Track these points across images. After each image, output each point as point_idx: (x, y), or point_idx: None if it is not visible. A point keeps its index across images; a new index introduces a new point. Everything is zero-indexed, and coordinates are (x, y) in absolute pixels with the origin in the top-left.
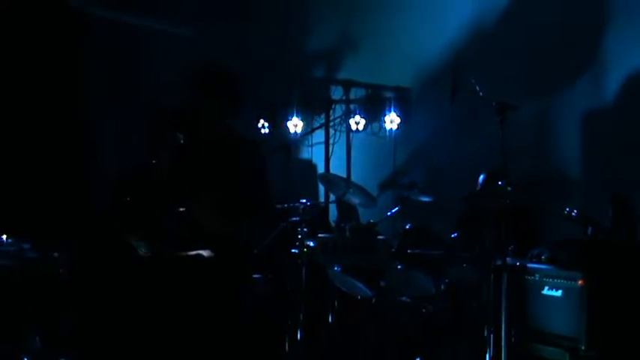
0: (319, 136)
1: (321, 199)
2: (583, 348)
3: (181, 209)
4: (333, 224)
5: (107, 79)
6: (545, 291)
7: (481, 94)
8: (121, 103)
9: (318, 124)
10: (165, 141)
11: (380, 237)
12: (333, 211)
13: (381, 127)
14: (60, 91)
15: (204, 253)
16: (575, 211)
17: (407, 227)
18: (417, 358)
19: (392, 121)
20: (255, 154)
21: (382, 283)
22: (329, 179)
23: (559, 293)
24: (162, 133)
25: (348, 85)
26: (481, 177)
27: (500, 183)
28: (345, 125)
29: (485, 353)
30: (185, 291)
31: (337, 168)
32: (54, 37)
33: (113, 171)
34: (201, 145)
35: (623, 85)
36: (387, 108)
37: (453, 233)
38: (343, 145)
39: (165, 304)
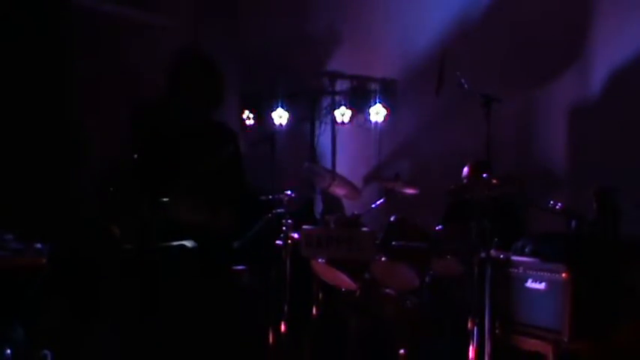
0: (304, 127)
1: (306, 191)
2: (566, 340)
3: (164, 199)
4: (317, 216)
5: (91, 69)
6: (529, 284)
7: (466, 86)
8: (105, 95)
9: (303, 116)
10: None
11: (364, 229)
12: (317, 204)
13: (367, 119)
14: (43, 81)
15: (188, 243)
16: (559, 204)
17: (391, 219)
18: (400, 350)
19: (377, 113)
20: (232, 144)
21: (366, 276)
22: (314, 171)
23: (542, 286)
24: (146, 126)
25: (333, 76)
26: (465, 168)
27: (484, 175)
28: (330, 117)
29: (469, 346)
30: (169, 282)
31: (322, 160)
32: (36, 28)
33: (97, 163)
34: (178, 134)
35: (608, 79)
36: (372, 100)
37: (438, 226)
38: (328, 136)
39: (149, 295)
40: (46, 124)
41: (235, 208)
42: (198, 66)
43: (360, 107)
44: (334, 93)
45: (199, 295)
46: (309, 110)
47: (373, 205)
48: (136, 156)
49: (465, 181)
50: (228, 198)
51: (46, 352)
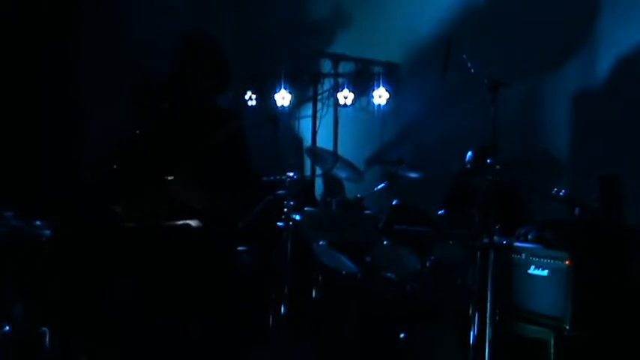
0: (307, 109)
1: (308, 172)
2: (568, 328)
3: (169, 178)
4: (318, 198)
5: (93, 46)
6: (532, 270)
7: (472, 70)
8: (108, 73)
9: (305, 98)
10: (151, 112)
11: (367, 212)
12: (319, 186)
13: (369, 102)
14: (46, 59)
15: (192, 222)
16: (563, 191)
17: (394, 203)
18: (401, 334)
19: (380, 96)
20: (237, 126)
21: (367, 259)
22: (316, 153)
23: (545, 273)
24: (149, 104)
25: (337, 58)
26: (469, 153)
27: (488, 161)
28: (332, 99)
29: (470, 331)
30: (173, 260)
31: (324, 142)
32: (42, 5)
33: (99, 140)
34: (183, 114)
35: (614, 65)
36: (375, 83)
37: (440, 210)
38: (330, 119)
39: (152, 274)
40: (48, 99)
41: (240, 188)
42: (207, 53)
43: (362, 90)
44: (337, 75)
45: (202, 275)
46: (312, 92)
47: (376, 189)
48: (138, 132)
49: (468, 166)
50: (232, 177)
51: (45, 329)
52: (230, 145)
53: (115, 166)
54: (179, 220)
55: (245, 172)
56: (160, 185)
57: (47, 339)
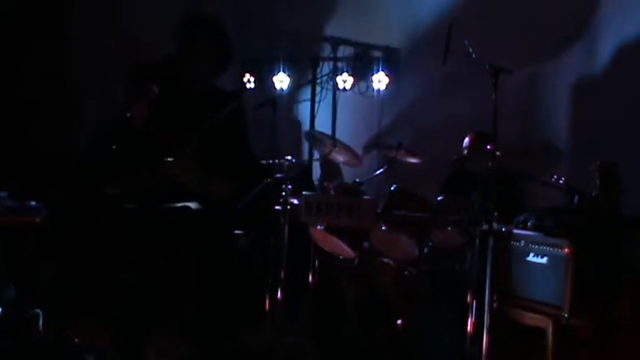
0: (305, 93)
1: (306, 156)
2: (566, 316)
3: (168, 160)
4: (316, 183)
5: (91, 29)
6: (530, 257)
7: (474, 56)
8: (106, 54)
9: (304, 81)
10: (144, 94)
11: (365, 197)
12: (317, 170)
13: (369, 87)
14: (42, 39)
15: (192, 205)
16: (563, 179)
17: (392, 188)
18: (397, 320)
19: (380, 81)
20: (238, 106)
21: (365, 244)
22: (315, 136)
23: (544, 260)
24: (144, 87)
25: (336, 42)
26: (467, 138)
27: (488, 147)
28: (331, 83)
29: (467, 318)
30: (172, 242)
31: (322, 126)
32: None
33: (95, 122)
34: (182, 97)
35: (615, 54)
36: (375, 67)
37: (439, 196)
38: (329, 103)
39: (150, 256)
40: (45, 82)
41: (240, 168)
42: (209, 32)
43: (362, 75)
44: (336, 59)
45: (200, 258)
46: (311, 76)
47: (374, 174)
48: (128, 114)
49: (465, 151)
50: (232, 157)
51: (38, 311)
52: (231, 125)
53: (114, 147)
54: (178, 202)
55: (245, 152)
56: (159, 167)
57: (41, 321)
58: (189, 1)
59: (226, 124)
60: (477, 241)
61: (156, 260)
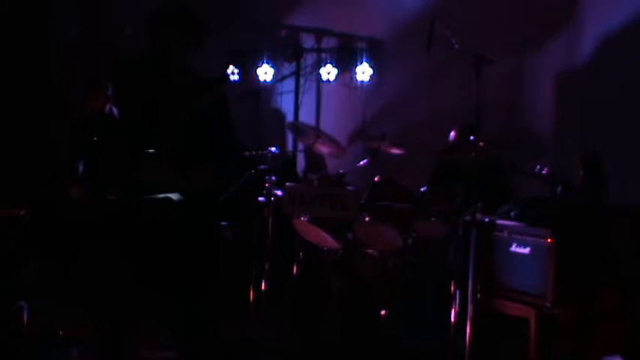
0: (289, 84)
1: (290, 148)
2: (549, 305)
3: (149, 151)
4: (300, 174)
5: (75, 22)
6: (513, 248)
7: (457, 46)
8: (89, 47)
9: (288, 73)
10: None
11: (349, 188)
12: (301, 161)
13: (353, 78)
14: (27, 33)
15: (173, 196)
16: (546, 169)
17: (376, 179)
18: (381, 311)
19: (364, 72)
20: (219, 94)
21: (349, 235)
22: (299, 128)
23: (527, 250)
24: (125, 78)
25: (320, 33)
26: (452, 132)
27: (472, 138)
28: (315, 74)
29: (451, 308)
30: (153, 235)
31: (306, 117)
32: None
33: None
34: (161, 85)
35: (597, 44)
36: (359, 59)
37: (423, 187)
38: (313, 94)
39: (132, 248)
40: (30, 76)
41: (221, 159)
42: (183, 17)
43: (346, 66)
44: (320, 50)
45: (183, 249)
46: (295, 67)
47: (358, 165)
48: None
49: (451, 144)
50: (216, 144)
51: (23, 303)
52: (214, 110)
53: (94, 139)
54: (160, 193)
55: (229, 138)
56: (141, 158)
57: (25, 314)
58: None
59: (211, 106)
60: (460, 231)
61: (139, 252)
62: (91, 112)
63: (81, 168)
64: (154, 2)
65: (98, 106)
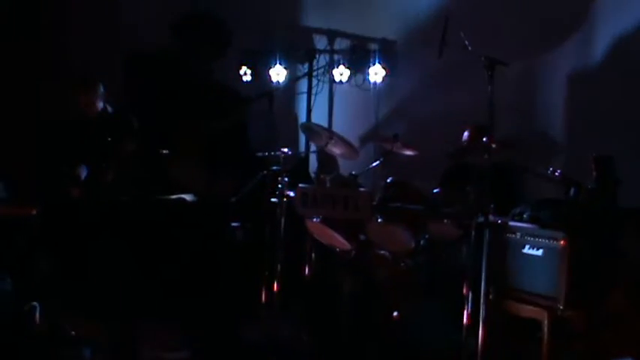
0: (302, 85)
1: (302, 149)
2: (561, 307)
3: (164, 152)
4: (312, 175)
5: (87, 21)
6: (526, 250)
7: (470, 48)
8: (101, 45)
9: (301, 74)
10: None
11: (361, 189)
12: (313, 162)
13: (365, 79)
14: (35, 30)
15: (187, 197)
16: (559, 171)
17: (388, 181)
18: (394, 313)
19: (376, 73)
20: (244, 115)
21: (361, 237)
22: (311, 129)
23: (540, 252)
24: (139, 76)
25: (332, 35)
26: (465, 132)
27: (484, 139)
28: (328, 76)
29: (464, 310)
30: (168, 234)
31: (319, 119)
32: None
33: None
34: (180, 90)
35: (610, 46)
36: (371, 60)
37: (435, 188)
38: (326, 95)
39: (145, 247)
40: (40, 73)
41: (235, 166)
42: (205, 33)
43: (358, 67)
44: (333, 52)
45: (196, 249)
46: (307, 68)
47: (370, 166)
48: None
49: (465, 144)
50: (231, 162)
51: (35, 304)
52: (234, 132)
53: (109, 139)
54: (174, 194)
55: (243, 159)
56: (155, 159)
57: (37, 314)
58: None
59: (231, 129)
60: (473, 233)
61: (152, 252)
62: (86, 111)
63: (84, 171)
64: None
65: (93, 105)
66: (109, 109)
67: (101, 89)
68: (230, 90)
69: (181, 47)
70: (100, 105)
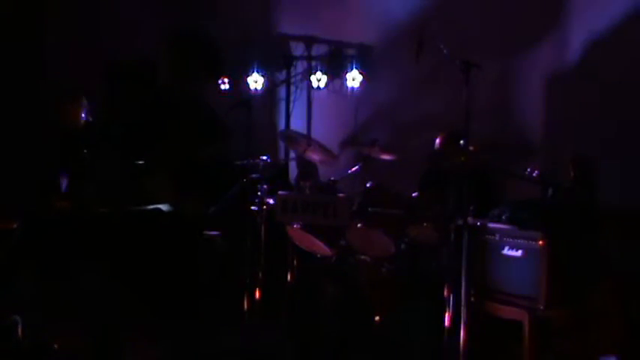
0: (280, 92)
1: (281, 156)
2: (542, 307)
3: (139, 162)
4: (292, 182)
5: (66, 31)
6: (505, 251)
7: (445, 52)
8: (80, 55)
9: (279, 81)
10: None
11: (340, 195)
12: (293, 169)
13: (343, 85)
14: (17, 42)
15: (163, 207)
16: (536, 172)
17: (368, 186)
18: (375, 317)
19: (354, 78)
20: (215, 122)
21: (342, 242)
22: (289, 136)
23: (519, 253)
24: (125, 88)
25: (309, 41)
26: (437, 139)
27: (461, 142)
28: (306, 82)
29: (445, 313)
30: (144, 245)
31: (298, 125)
32: None
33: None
34: (164, 104)
35: (585, 46)
36: (349, 65)
37: (414, 192)
38: (304, 102)
39: (123, 260)
40: (20, 87)
41: (211, 174)
42: (201, 53)
43: (336, 73)
44: (310, 58)
45: (174, 259)
46: (285, 75)
47: (349, 171)
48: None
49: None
50: (207, 165)
51: (17, 317)
52: (213, 158)
53: (85, 151)
54: (149, 204)
55: (222, 168)
56: (131, 170)
57: (19, 328)
58: (162, 3)
59: (211, 157)
60: (453, 235)
61: (130, 262)
62: (69, 123)
63: (64, 181)
64: (149, 14)
65: (76, 117)
66: (91, 120)
67: (84, 101)
68: (215, 114)
69: (171, 68)
70: (83, 117)
